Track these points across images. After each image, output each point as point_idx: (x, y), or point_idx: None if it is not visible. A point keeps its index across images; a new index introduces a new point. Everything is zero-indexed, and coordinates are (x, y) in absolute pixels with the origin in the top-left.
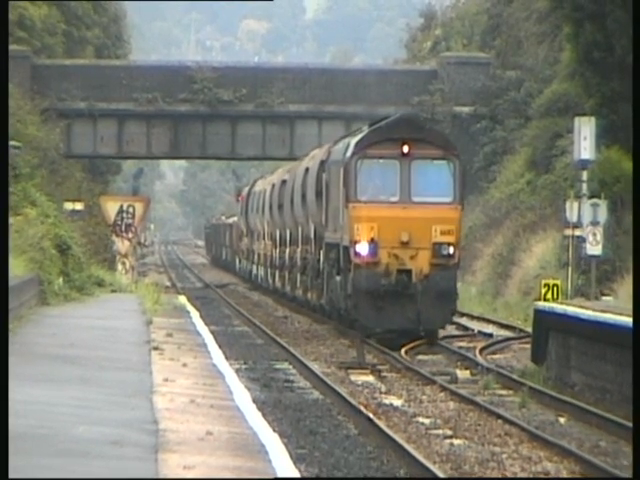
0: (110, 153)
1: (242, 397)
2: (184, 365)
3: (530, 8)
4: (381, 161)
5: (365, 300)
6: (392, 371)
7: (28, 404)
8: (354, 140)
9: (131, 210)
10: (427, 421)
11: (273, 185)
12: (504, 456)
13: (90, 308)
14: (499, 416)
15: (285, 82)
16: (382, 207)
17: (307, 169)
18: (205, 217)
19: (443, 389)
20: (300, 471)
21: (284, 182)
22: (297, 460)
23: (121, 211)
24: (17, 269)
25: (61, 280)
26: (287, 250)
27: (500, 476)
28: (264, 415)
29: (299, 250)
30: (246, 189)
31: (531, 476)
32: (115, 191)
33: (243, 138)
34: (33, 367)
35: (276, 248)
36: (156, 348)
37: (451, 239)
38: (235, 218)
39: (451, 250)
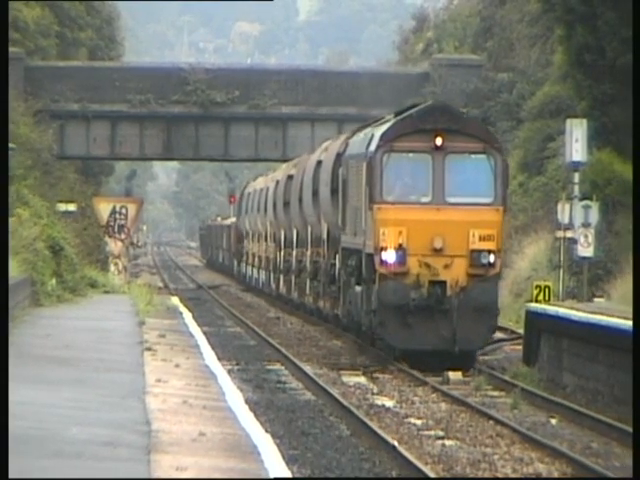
0: (103, 154)
1: (234, 398)
2: (177, 366)
3: (522, 11)
4: (411, 155)
5: (392, 316)
6: (384, 372)
7: (22, 405)
8: (379, 131)
9: (124, 211)
10: (419, 422)
11: (277, 182)
12: (496, 457)
13: (83, 309)
14: (491, 417)
15: (278, 84)
16: (412, 209)
17: (319, 162)
18: (198, 218)
19: (435, 390)
20: (292, 472)
21: (290, 177)
22: (289, 461)
23: (114, 212)
24: (10, 270)
25: (54, 281)
26: (294, 253)
27: (492, 477)
28: (256, 416)
29: (308, 253)
30: (246, 189)
31: (523, 477)
32: (108, 192)
33: (236, 140)
34: (27, 368)
35: (280, 250)
36: (149, 349)
37: (491, 245)
38: (233, 219)
39: (492, 258)
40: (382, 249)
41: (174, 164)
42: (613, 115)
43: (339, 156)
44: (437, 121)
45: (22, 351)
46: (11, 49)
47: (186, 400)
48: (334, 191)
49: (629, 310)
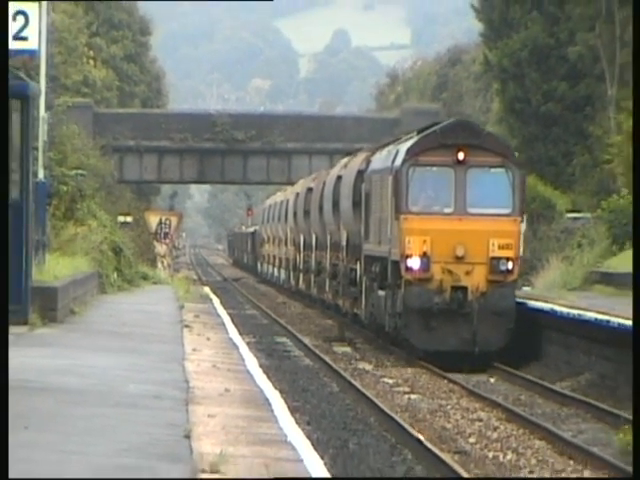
0: (152, 179)
1: (252, 363)
2: (208, 339)
3: (468, 70)
4: (434, 169)
5: (416, 319)
6: (365, 343)
7: (91, 368)
8: (404, 147)
9: (168, 222)
10: (391, 381)
11: (297, 194)
12: (449, 407)
13: (137, 296)
14: (445, 377)
15: (284, 126)
16: (435, 219)
17: (339, 177)
18: (224, 228)
19: (403, 357)
20: (295, 419)
21: (310, 190)
22: (293, 411)
23: (160, 223)
24: (82, 267)
25: (115, 275)
26: (313, 255)
27: (500, 456)
28: (268, 377)
29: (328, 256)
30: (267, 202)
31: (535, 477)
32: (156, 208)
33: (252, 168)
34: (94, 340)
35: (300, 253)
36: (187, 326)
37: (510, 253)
38: (256, 227)
39: (510, 265)
40: (407, 256)
41: (206, 186)
42: (537, 150)
43: (360, 173)
44: (459, 137)
45: (91, 327)
46: (83, 100)
47: (215, 364)
48: (356, 204)
49: (547, 295)
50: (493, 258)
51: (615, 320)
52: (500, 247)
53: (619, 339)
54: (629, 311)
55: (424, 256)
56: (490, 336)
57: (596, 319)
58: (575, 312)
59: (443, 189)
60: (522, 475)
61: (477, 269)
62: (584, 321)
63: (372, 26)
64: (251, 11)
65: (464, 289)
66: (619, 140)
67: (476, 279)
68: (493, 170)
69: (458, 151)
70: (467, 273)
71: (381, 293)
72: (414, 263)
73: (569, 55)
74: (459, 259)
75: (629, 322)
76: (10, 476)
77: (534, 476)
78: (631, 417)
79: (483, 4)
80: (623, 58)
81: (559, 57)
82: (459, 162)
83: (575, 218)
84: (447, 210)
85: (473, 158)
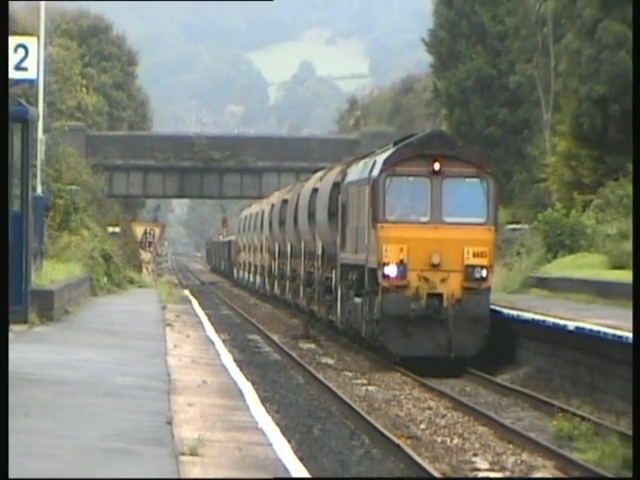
0: (138, 194)
1: (226, 358)
2: (187, 336)
3: (419, 97)
4: (411, 179)
5: (393, 325)
6: (328, 341)
7: (83, 362)
8: (382, 157)
9: (152, 232)
10: (350, 374)
11: (272, 205)
12: (402, 397)
13: (125, 298)
14: (398, 370)
15: (255, 147)
16: (412, 227)
17: (315, 189)
18: (202, 237)
19: (361, 352)
20: (265, 408)
21: (285, 201)
22: (263, 400)
23: (145, 233)
24: (76, 272)
25: (105, 279)
26: (288, 262)
27: (448, 440)
28: (241, 370)
29: (302, 264)
30: (243, 213)
31: (520, 477)
32: (141, 219)
33: (227, 184)
34: (86, 337)
35: (275, 260)
36: (169, 325)
37: (484, 261)
38: (232, 237)
39: (484, 273)
40: (385, 264)
41: (186, 200)
42: None
43: (336, 185)
44: (435, 148)
45: (83, 326)
46: (77, 123)
47: (194, 359)
48: (331, 215)
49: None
50: (468, 266)
51: (550, 319)
52: (475, 255)
53: (553, 336)
54: (562, 311)
55: (401, 264)
56: (465, 342)
57: (533, 319)
58: (514, 312)
59: (419, 198)
60: (467, 457)
61: (452, 276)
62: (523, 320)
63: (334, 58)
64: (226, 45)
65: (440, 296)
66: (554, 160)
67: (451, 286)
68: (468, 180)
69: (434, 161)
70: (443, 280)
71: (357, 300)
72: (391, 271)
73: (509, 84)
74: (435, 267)
75: (562, 321)
76: (11, 459)
77: (495, 472)
78: (565, 406)
79: (433, 38)
80: (557, 86)
81: (500, 86)
82: (435, 172)
83: (514, 229)
84: (423, 219)
85: (449, 168)
